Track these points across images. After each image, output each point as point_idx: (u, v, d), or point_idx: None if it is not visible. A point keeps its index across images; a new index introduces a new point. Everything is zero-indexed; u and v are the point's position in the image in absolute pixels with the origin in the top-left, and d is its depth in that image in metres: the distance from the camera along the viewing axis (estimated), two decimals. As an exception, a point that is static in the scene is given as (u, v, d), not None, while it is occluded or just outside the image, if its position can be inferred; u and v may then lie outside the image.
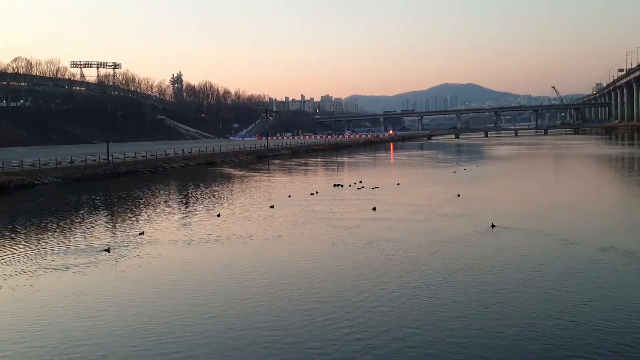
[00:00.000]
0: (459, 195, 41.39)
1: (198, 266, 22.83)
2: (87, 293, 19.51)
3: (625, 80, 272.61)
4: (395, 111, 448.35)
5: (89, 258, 24.48)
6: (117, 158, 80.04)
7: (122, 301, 18.51)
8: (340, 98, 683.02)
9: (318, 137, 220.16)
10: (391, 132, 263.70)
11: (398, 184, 51.35)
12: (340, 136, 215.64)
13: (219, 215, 35.40)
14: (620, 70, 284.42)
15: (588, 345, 13.77)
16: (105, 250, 25.87)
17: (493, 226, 28.78)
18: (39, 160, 68.84)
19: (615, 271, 19.86)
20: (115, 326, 16.13)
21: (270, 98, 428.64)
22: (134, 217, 37.70)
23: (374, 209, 36.11)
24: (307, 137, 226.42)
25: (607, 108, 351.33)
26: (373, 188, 46.96)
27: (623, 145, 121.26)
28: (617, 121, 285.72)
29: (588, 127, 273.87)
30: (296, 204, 39.50)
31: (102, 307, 17.97)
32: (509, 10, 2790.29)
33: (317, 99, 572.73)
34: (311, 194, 45.05)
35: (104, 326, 16.18)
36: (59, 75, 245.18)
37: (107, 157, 76.36)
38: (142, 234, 29.83)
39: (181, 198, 49.45)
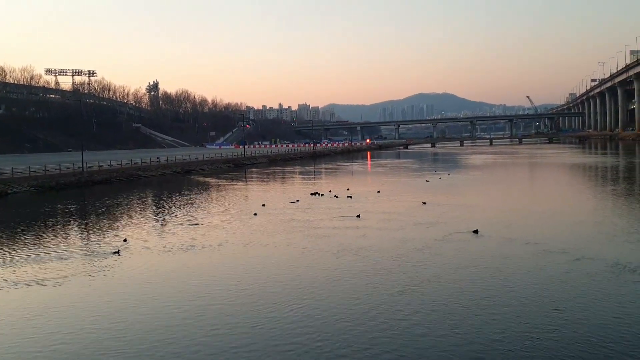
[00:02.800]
0: (424, 203, 41.71)
1: (170, 275, 22.70)
2: (59, 306, 19.29)
3: (598, 90, 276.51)
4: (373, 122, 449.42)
5: (65, 268, 24.21)
6: (92, 166, 79.22)
7: (96, 312, 18.34)
8: (318, 107, 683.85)
9: (296, 145, 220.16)
10: (368, 140, 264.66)
11: (378, 192, 51.49)
12: (318, 145, 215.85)
13: (195, 224, 35.25)
14: (593, 80, 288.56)
15: (560, 352, 13.88)
16: (78, 258, 25.62)
17: (476, 232, 29.09)
18: (12, 168, 67.88)
19: (588, 278, 20.05)
20: (90, 337, 15.97)
21: (247, 106, 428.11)
22: (108, 226, 37.38)
23: (358, 216, 36.22)
24: (284, 145, 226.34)
25: (580, 118, 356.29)
26: (348, 197, 46.97)
27: (596, 154, 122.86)
28: (590, 131, 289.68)
29: (562, 136, 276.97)
30: (272, 213, 39.41)
31: (83, 317, 17.79)
32: (485, 21, 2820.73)
33: (294, 107, 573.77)
34: (292, 202, 45.02)
35: (83, 338, 16.00)
36: (33, 83, 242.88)
37: (81, 166, 75.56)
38: (125, 244, 29.55)
39: (156, 207, 49.15)
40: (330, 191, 52.08)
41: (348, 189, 53.56)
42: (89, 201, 54.70)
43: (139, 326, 16.68)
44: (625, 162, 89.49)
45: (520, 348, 14.09)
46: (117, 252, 27.20)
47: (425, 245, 26.43)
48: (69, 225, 38.80)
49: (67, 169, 75.05)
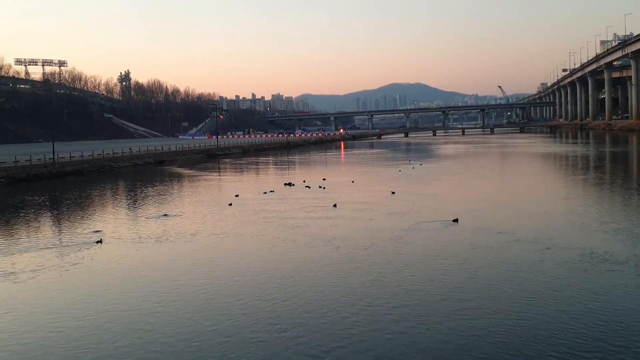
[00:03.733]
0: (393, 193, 42.02)
1: (144, 267, 22.67)
2: (29, 299, 19.16)
3: (568, 80, 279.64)
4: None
5: (35, 261, 23.99)
6: (63, 157, 78.23)
7: (68, 305, 18.25)
8: (292, 97, 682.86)
9: (269, 135, 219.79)
10: (342, 131, 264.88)
11: (353, 181, 51.70)
12: (292, 135, 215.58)
13: (165, 215, 35.14)
14: (564, 70, 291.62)
15: (531, 341, 14.12)
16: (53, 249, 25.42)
17: (456, 220, 29.38)
18: (-19, 160, 66.97)
19: (559, 267, 20.35)
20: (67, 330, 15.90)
21: (220, 96, 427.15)
22: (80, 217, 37.05)
23: (335, 205, 36.39)
24: (258, 135, 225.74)
25: (551, 107, 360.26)
26: (321, 187, 47.02)
27: (567, 143, 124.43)
28: (561, 120, 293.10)
29: (533, 125, 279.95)
30: (246, 204, 39.38)
31: (53, 311, 17.69)
32: (456, 11, 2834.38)
33: (268, 97, 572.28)
34: (265, 193, 44.98)
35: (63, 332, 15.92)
36: (2, 73, 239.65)
37: (52, 157, 74.67)
38: (98, 236, 29.36)
39: (129, 198, 48.79)
40: (304, 181, 52.15)
41: (324, 179, 53.66)
42: (61, 193, 54.06)
43: (110, 320, 16.58)
44: (595, 151, 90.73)
45: (491, 337, 14.25)
46: (100, 242, 27.24)
47: (397, 235, 26.60)
48: (40, 217, 38.31)
49: (38, 160, 74.07)
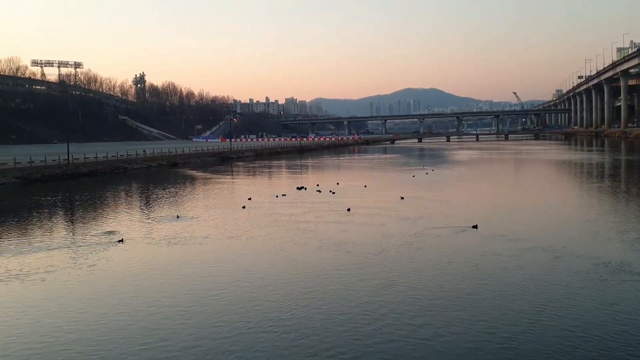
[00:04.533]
0: (402, 198, 41.94)
1: (158, 269, 22.75)
2: (42, 299, 19.30)
3: (584, 87, 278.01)
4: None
5: (49, 261, 24.19)
6: (78, 158, 78.90)
7: (80, 305, 18.39)
8: (305, 101, 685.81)
9: (282, 139, 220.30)
10: (355, 135, 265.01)
11: (365, 186, 51.66)
12: (305, 139, 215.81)
13: (177, 217, 35.30)
14: (580, 77, 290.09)
15: (543, 349, 14.06)
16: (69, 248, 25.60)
17: (476, 227, 29.24)
18: (-3, 160, 67.58)
19: (573, 275, 20.21)
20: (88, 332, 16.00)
21: (234, 100, 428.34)
22: (93, 217, 37.30)
23: (349, 209, 36.50)
24: (271, 139, 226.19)
25: (566, 114, 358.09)
26: (331, 191, 46.93)
27: (582, 151, 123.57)
28: (576, 127, 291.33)
29: (548, 132, 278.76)
30: (259, 207, 39.46)
31: (65, 311, 17.83)
32: (473, 17, 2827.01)
33: (281, 101, 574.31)
34: (277, 196, 45.06)
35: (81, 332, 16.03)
36: (18, 74, 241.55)
37: (67, 158, 75.24)
38: (117, 236, 29.54)
39: (143, 200, 49.04)
40: (318, 185, 52.24)
41: (338, 184, 53.72)
42: (75, 193, 54.47)
43: (122, 321, 16.72)
44: (611, 159, 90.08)
45: (500, 345, 14.21)
46: (121, 241, 27.77)
47: (408, 241, 26.53)
48: (53, 217, 38.61)
49: (53, 160, 74.69)
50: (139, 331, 15.64)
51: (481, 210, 36.03)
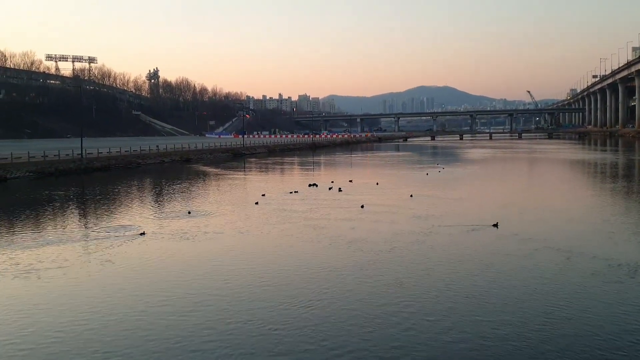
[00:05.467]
0: (411, 196, 42.00)
1: (174, 263, 22.91)
2: (51, 295, 19.49)
3: (598, 86, 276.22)
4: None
5: (62, 255, 24.42)
6: (91, 153, 79.31)
7: (93, 299, 18.57)
8: (318, 98, 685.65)
9: (295, 136, 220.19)
10: (368, 133, 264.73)
11: (377, 183, 51.63)
12: (317, 136, 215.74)
13: (189, 213, 35.43)
14: (594, 76, 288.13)
15: (554, 351, 14.04)
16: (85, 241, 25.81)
17: (496, 225, 29.17)
18: (11, 153, 68.00)
19: (587, 277, 20.13)
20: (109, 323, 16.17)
21: (247, 96, 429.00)
22: (108, 212, 37.54)
23: (362, 206, 36.68)
24: (284, 136, 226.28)
25: (580, 113, 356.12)
26: (341, 190, 46.73)
27: (596, 151, 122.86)
28: (590, 127, 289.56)
29: (562, 132, 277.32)
30: (270, 203, 39.57)
31: (77, 307, 18.01)
32: (487, 15, 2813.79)
33: (294, 98, 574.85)
34: (290, 193, 45.22)
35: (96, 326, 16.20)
36: (33, 69, 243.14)
37: (80, 152, 75.69)
38: (135, 230, 29.74)
39: (156, 195, 49.28)
40: (332, 182, 52.35)
41: (350, 181, 53.81)
42: (88, 188, 54.90)
43: (135, 315, 16.86)
44: (625, 159, 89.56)
45: (514, 346, 14.20)
46: (143, 234, 28.36)
47: (420, 239, 26.56)
48: (65, 211, 38.91)
49: (66, 155, 75.12)
50: (154, 327, 15.80)
51: (495, 208, 35.90)
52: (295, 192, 45.73)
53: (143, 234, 28.41)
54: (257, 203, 39.30)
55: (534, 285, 18.96)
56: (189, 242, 26.87)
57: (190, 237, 27.92)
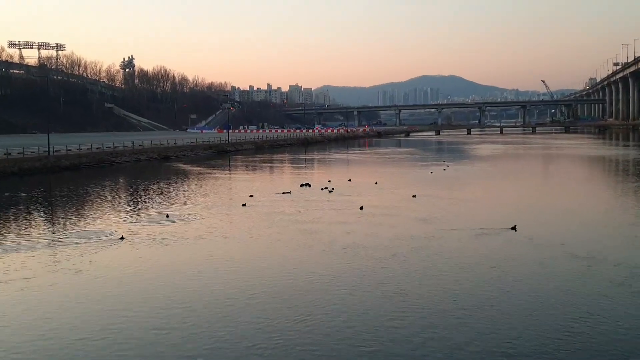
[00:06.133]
0: (414, 196, 42.04)
1: (150, 272, 22.76)
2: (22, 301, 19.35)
3: (620, 75, 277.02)
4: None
5: (25, 264, 24.26)
6: (59, 150, 78.93)
7: (64, 309, 18.42)
8: (311, 88, 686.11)
9: (285, 131, 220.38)
10: (366, 127, 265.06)
11: (376, 183, 51.54)
12: (310, 130, 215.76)
13: (167, 217, 35.26)
14: (616, 64, 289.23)
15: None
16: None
17: (514, 228, 29.22)
18: (-31, 151, 67.72)
19: (609, 285, 20.13)
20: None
21: (232, 86, 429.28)
22: (78, 215, 37.36)
23: (361, 208, 36.78)
24: (273, 130, 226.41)
25: (600, 105, 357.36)
26: (329, 190, 46.65)
27: (618, 146, 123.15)
28: (611, 119, 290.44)
29: (580, 125, 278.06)
30: (259, 205, 39.48)
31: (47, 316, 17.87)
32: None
33: (284, 88, 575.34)
34: (278, 194, 45.11)
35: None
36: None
37: (47, 149, 75.30)
38: (110, 234, 29.59)
39: (130, 196, 49.16)
40: (329, 181, 52.35)
41: (350, 180, 53.88)
42: (56, 189, 54.69)
43: (106, 328, 16.75)
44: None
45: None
46: (122, 238, 28.50)
47: (423, 244, 26.47)
48: (29, 214, 38.68)
49: (32, 152, 74.83)
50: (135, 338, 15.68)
51: (507, 210, 35.94)
52: (289, 192, 45.57)
53: (122, 238, 28.45)
54: (244, 205, 39.22)
55: (553, 296, 18.85)
56: (166, 249, 26.64)
57: (168, 244, 27.71)
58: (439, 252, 24.89)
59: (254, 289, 20.00)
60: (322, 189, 47.23)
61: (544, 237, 27.63)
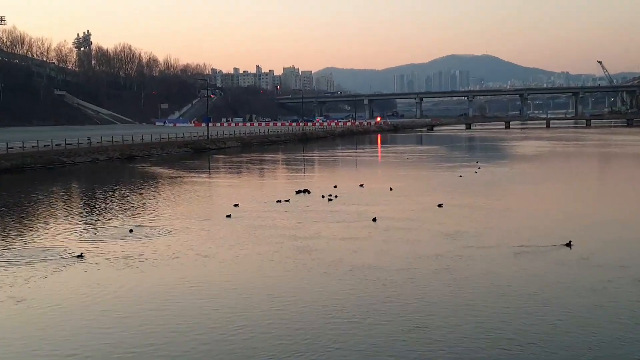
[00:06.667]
0: (439, 206, 42.25)
1: (112, 299, 22.76)
2: None
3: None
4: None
5: None
6: (-2, 148, 79.15)
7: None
8: (311, 72, 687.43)
9: (279, 124, 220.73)
10: (379, 119, 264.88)
11: (391, 189, 51.55)
12: (310, 123, 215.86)
13: (131, 231, 35.21)
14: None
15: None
16: None
17: (569, 245, 29.28)
18: None
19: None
20: None
21: (213, 69, 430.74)
22: (18, 228, 37.34)
23: (374, 219, 37.04)
24: (263, 123, 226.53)
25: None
26: (329, 199, 46.83)
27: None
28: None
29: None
30: (245, 216, 39.49)
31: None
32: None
33: (278, 71, 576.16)
34: (267, 202, 45.25)
35: None
36: None
37: (-17, 147, 75.51)
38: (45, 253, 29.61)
39: (86, 205, 49.14)
40: (335, 187, 52.33)
41: (362, 185, 54.01)
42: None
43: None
44: None
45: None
46: (81, 256, 28.88)
47: (449, 266, 26.50)
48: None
49: (-36, 151, 74.94)
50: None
51: (555, 222, 35.93)
52: (286, 200, 45.50)
53: (81, 255, 28.82)
54: (228, 216, 39.25)
55: (604, 329, 18.93)
56: (129, 273, 26.52)
57: (131, 265, 27.65)
58: (469, 276, 24.89)
59: (238, 322, 20.02)
60: (322, 197, 47.20)
61: (601, 256, 27.61)
